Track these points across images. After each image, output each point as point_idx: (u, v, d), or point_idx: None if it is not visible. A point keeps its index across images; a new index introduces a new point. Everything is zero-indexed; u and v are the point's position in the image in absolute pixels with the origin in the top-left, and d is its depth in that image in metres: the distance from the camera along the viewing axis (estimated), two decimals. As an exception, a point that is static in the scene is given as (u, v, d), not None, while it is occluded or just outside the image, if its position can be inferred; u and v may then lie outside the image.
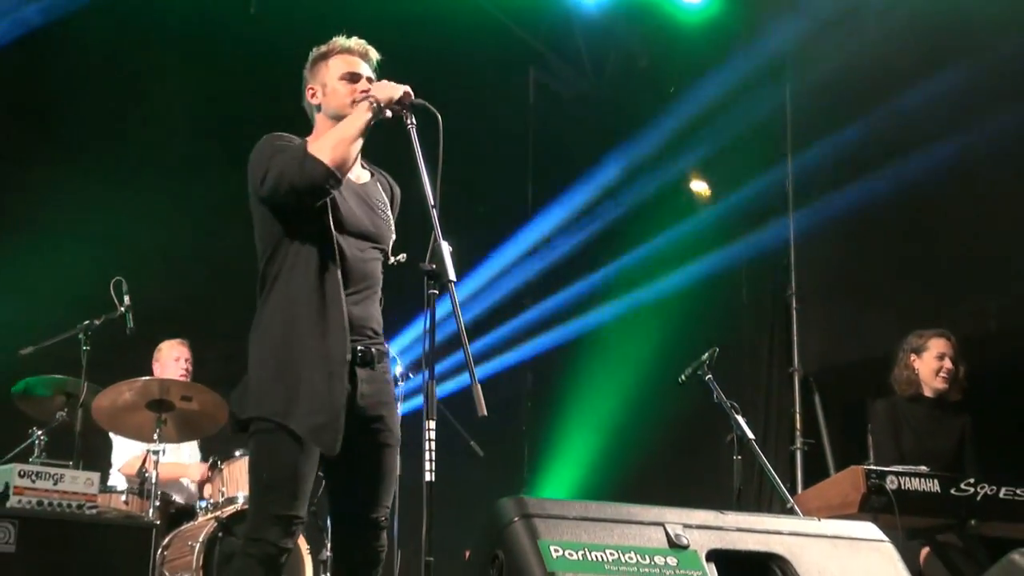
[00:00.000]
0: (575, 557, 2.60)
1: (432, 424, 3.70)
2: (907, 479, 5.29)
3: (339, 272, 4.00)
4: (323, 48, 4.22)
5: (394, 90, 3.95)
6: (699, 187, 9.54)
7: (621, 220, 9.52)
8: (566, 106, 10.37)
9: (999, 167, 7.04)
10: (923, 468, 5.46)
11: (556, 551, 2.59)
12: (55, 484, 4.89)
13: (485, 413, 3.56)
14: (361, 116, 3.95)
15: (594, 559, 2.62)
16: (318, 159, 3.85)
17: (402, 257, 4.31)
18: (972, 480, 5.41)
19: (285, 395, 3.84)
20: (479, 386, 3.57)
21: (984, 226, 7.16)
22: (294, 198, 3.91)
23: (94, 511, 4.99)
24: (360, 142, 3.99)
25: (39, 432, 6.25)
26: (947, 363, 6.08)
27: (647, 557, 2.70)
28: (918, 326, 6.34)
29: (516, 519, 2.65)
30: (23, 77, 8.05)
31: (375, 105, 3.93)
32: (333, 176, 3.88)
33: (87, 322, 6.37)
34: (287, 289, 3.98)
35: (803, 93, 8.61)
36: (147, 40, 8.36)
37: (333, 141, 3.92)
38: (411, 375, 6.40)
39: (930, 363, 6.12)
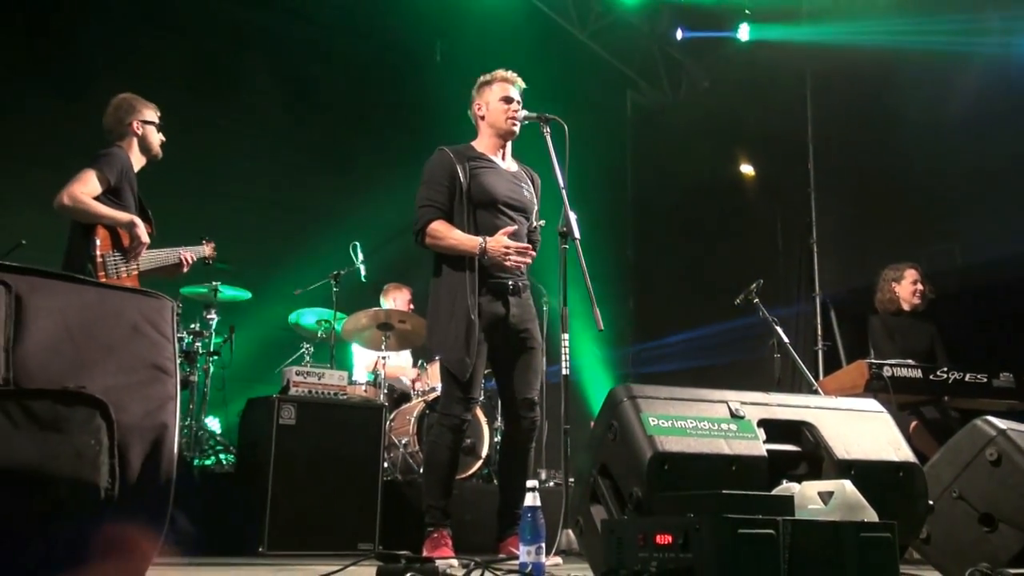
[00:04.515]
0: (666, 425, 2.59)
1: (566, 336, 3.70)
2: (898, 368, 5.13)
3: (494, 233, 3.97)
4: (487, 76, 4.20)
5: (499, 254, 3.89)
6: (746, 169, 9.27)
7: (696, 198, 9.28)
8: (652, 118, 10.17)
9: (971, 136, 6.65)
10: (910, 361, 5.30)
11: (653, 421, 2.57)
12: (319, 380, 5.01)
13: (602, 328, 3.55)
14: (471, 249, 3.90)
15: (679, 426, 2.61)
16: (423, 229, 3.95)
17: (542, 222, 4.32)
18: (946, 368, 5.22)
19: (441, 335, 3.92)
20: (598, 309, 3.57)
21: (949, 184, 6.85)
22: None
23: (344, 397, 5.10)
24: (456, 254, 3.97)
25: (306, 346, 6.44)
26: (919, 286, 5.91)
27: (715, 424, 2.67)
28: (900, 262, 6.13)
29: (625, 399, 2.64)
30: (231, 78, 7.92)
31: (483, 249, 3.88)
32: (422, 244, 3.99)
33: (336, 272, 6.51)
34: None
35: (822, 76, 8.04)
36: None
37: (445, 244, 3.95)
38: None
39: (908, 287, 5.91)
